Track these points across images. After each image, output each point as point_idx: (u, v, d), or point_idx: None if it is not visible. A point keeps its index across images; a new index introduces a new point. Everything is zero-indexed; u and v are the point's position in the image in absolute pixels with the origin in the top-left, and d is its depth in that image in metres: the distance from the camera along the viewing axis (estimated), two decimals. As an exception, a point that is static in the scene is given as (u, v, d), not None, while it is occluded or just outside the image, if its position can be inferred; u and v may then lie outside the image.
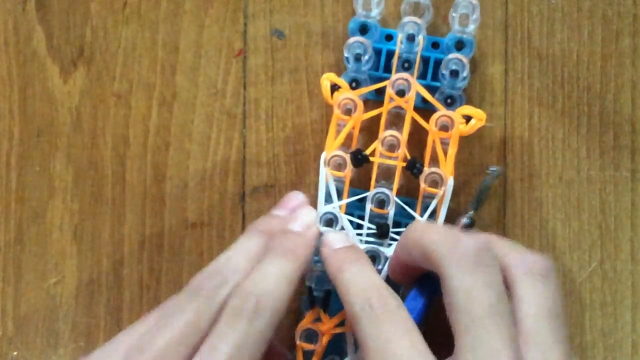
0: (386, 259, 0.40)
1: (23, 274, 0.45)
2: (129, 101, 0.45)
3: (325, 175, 0.40)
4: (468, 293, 0.33)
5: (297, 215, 0.40)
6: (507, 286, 0.35)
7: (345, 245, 0.39)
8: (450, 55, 0.41)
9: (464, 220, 0.40)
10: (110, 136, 0.45)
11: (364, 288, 0.36)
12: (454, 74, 0.41)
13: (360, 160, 0.40)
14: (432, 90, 0.41)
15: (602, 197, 0.44)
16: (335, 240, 0.39)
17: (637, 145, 0.44)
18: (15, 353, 0.45)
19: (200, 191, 0.44)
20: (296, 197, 0.41)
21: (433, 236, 0.36)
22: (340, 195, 0.41)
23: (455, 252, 0.34)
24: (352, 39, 0.41)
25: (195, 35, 0.45)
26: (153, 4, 0.45)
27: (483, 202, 0.42)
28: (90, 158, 0.45)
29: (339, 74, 0.42)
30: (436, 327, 0.36)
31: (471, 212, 0.41)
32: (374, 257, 0.40)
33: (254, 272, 0.36)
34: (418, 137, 0.42)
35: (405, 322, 0.34)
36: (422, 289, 0.38)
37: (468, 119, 0.40)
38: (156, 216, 0.45)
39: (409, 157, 0.40)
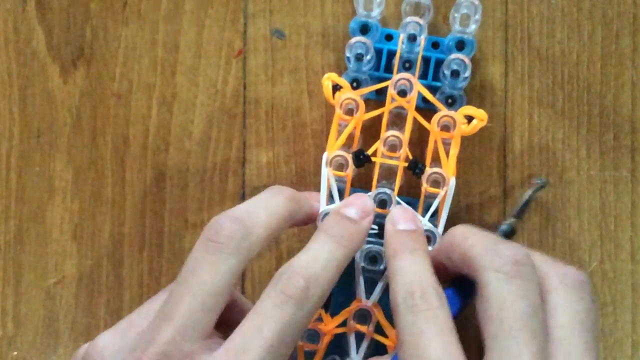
0: None
1: (23, 274, 0.45)
2: (129, 101, 0.45)
3: (327, 176, 0.40)
4: (503, 302, 0.33)
5: (354, 201, 0.39)
6: (542, 297, 0.35)
7: (408, 228, 0.38)
8: (453, 56, 0.41)
9: (503, 226, 0.40)
10: (110, 136, 0.45)
11: (411, 280, 0.35)
12: (455, 74, 0.41)
13: (362, 160, 0.40)
14: (432, 90, 0.41)
15: (602, 197, 0.44)
16: (399, 219, 0.38)
17: (637, 145, 0.44)
18: (15, 353, 0.45)
19: (200, 191, 0.44)
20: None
21: (475, 242, 0.35)
22: (342, 195, 0.41)
23: (495, 260, 0.34)
24: (354, 39, 0.41)
25: (195, 35, 0.45)
26: (153, 4, 0.45)
27: (525, 212, 0.41)
28: (90, 158, 0.45)
29: (339, 74, 0.42)
30: (466, 331, 0.36)
31: (512, 220, 0.40)
32: (375, 258, 0.40)
33: (304, 252, 0.36)
34: (419, 137, 0.42)
35: (443, 323, 0.34)
36: (457, 291, 0.37)
37: (470, 119, 0.40)
38: (156, 216, 0.45)
39: (410, 157, 0.40)
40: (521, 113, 0.44)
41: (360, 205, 0.38)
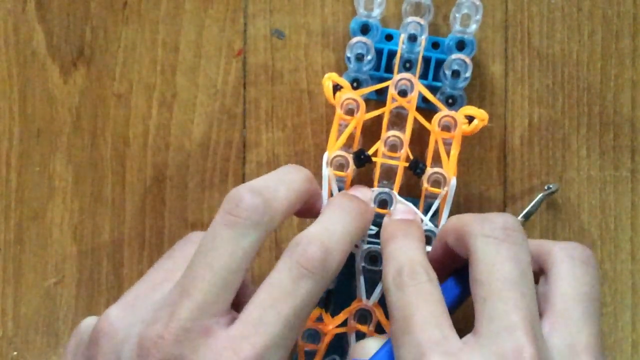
0: None
1: (23, 274, 0.45)
2: (129, 101, 0.45)
3: (328, 176, 0.40)
4: (492, 265, 0.33)
5: (357, 189, 0.39)
6: (546, 269, 0.35)
7: (404, 218, 0.39)
8: (454, 56, 0.41)
9: None
10: (110, 136, 0.45)
11: (401, 261, 0.35)
12: (456, 74, 0.41)
13: (363, 160, 0.40)
14: (432, 90, 0.41)
15: (602, 197, 0.44)
16: (398, 211, 0.39)
17: (637, 145, 0.44)
18: (15, 353, 0.45)
19: (200, 191, 0.44)
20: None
21: (466, 218, 0.35)
22: None
23: (485, 226, 0.34)
24: (354, 39, 0.41)
25: (195, 35, 0.45)
26: (153, 4, 0.45)
27: (532, 215, 0.42)
28: (90, 158, 0.45)
29: (339, 74, 0.42)
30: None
31: (521, 220, 0.41)
32: (376, 258, 0.40)
33: (319, 223, 0.35)
34: (420, 137, 0.42)
35: (431, 294, 0.34)
36: (457, 281, 0.37)
37: (470, 119, 0.40)
38: (156, 216, 0.45)
39: (411, 157, 0.40)
40: (521, 113, 0.44)
41: (364, 192, 0.39)
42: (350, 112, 0.40)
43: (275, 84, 0.44)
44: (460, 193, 0.44)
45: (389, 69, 0.42)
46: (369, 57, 0.41)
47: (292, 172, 0.37)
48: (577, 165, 0.44)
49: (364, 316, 0.40)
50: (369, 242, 0.40)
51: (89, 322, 0.36)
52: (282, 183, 0.36)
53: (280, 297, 0.33)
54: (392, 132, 0.40)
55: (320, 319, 0.40)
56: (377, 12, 0.42)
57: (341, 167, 0.40)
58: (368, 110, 0.41)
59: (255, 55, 0.44)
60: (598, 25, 0.44)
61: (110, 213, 0.45)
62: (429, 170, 0.40)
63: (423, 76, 0.42)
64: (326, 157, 0.40)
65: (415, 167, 0.40)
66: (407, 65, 0.41)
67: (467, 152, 0.44)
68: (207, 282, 0.33)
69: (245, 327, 0.32)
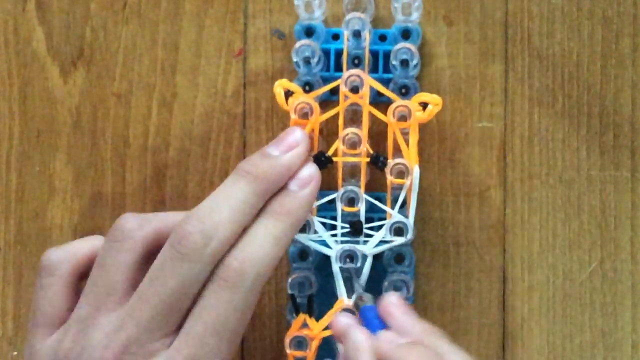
0: (364, 256, 0.40)
1: (23, 274, 0.45)
2: (129, 101, 0.45)
3: None
4: None
5: (297, 173, 0.38)
6: None
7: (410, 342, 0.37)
8: (399, 45, 0.41)
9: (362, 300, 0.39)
10: (110, 136, 0.45)
11: None
12: (405, 63, 0.41)
13: (324, 162, 0.40)
14: (385, 82, 0.42)
15: (602, 197, 0.44)
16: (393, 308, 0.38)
17: (637, 145, 0.44)
18: (15, 353, 0.45)
19: (200, 191, 0.44)
20: (294, 135, 0.39)
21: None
22: None
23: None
24: (298, 43, 0.41)
25: (195, 35, 0.45)
26: (153, 4, 0.45)
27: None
28: (90, 158, 0.45)
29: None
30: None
31: (365, 295, 0.40)
32: (352, 257, 0.40)
33: (242, 237, 0.36)
34: (379, 132, 0.42)
35: None
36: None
37: (425, 106, 0.40)
38: (156, 216, 0.45)
39: (371, 152, 0.40)
40: (521, 113, 0.44)
41: (302, 174, 0.38)
42: (305, 116, 0.40)
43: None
44: (460, 193, 0.44)
45: (339, 68, 0.42)
46: (316, 59, 0.41)
47: (235, 182, 0.37)
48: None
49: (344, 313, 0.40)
50: (342, 242, 0.40)
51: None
52: (225, 202, 0.36)
53: (202, 309, 0.35)
54: (349, 130, 0.40)
55: (305, 325, 0.40)
56: (318, 13, 0.42)
57: None
58: (324, 111, 0.41)
59: (255, 55, 0.44)
60: (598, 25, 0.44)
61: (110, 213, 0.45)
62: (391, 162, 0.40)
63: (373, 70, 0.42)
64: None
65: (377, 161, 0.40)
66: (356, 61, 0.41)
67: (467, 152, 0.44)
68: (153, 308, 0.35)
69: (179, 342, 0.35)
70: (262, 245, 0.36)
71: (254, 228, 0.37)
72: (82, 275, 0.38)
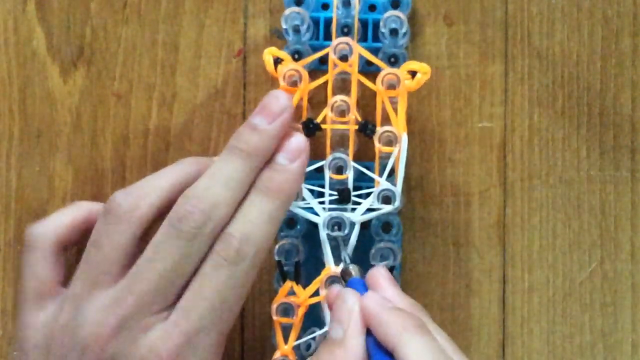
0: (352, 224, 0.40)
1: (23, 274, 0.45)
2: (129, 101, 0.45)
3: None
4: None
5: (285, 145, 0.38)
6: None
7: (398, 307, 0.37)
8: (387, 14, 0.41)
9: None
10: (110, 136, 0.45)
11: None
12: (394, 32, 0.41)
13: (312, 129, 0.40)
14: (374, 52, 0.42)
15: (602, 197, 0.44)
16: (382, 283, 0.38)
17: (637, 145, 0.44)
18: (15, 353, 0.45)
19: (200, 191, 0.44)
20: (277, 100, 0.39)
21: (397, 324, 0.35)
22: None
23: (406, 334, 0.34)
24: (288, 10, 0.41)
25: (195, 35, 0.45)
26: (153, 4, 0.45)
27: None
28: (90, 158, 0.45)
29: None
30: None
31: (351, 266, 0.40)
32: (339, 224, 0.40)
33: (237, 214, 0.37)
34: (368, 101, 0.42)
35: None
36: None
37: (414, 74, 0.40)
38: (156, 216, 0.45)
39: (360, 120, 0.40)
40: (521, 113, 0.44)
41: (290, 147, 0.38)
42: (294, 84, 0.40)
43: (275, 84, 0.44)
44: (460, 193, 0.44)
45: (328, 37, 0.42)
46: (305, 27, 0.41)
47: (230, 161, 0.38)
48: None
49: (334, 283, 0.40)
50: (330, 209, 0.40)
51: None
52: (222, 180, 0.37)
53: (202, 284, 0.36)
54: (338, 97, 0.40)
55: (292, 292, 0.40)
56: None
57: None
58: (313, 80, 0.41)
59: (255, 55, 0.44)
60: (598, 25, 0.44)
61: (110, 213, 0.45)
62: (379, 130, 0.40)
63: (363, 39, 0.42)
64: None
65: (365, 128, 0.40)
66: (345, 30, 0.42)
67: (467, 152, 0.44)
68: (151, 283, 0.36)
69: (176, 316, 0.36)
70: (258, 224, 0.37)
71: (249, 206, 0.37)
72: (65, 246, 0.40)
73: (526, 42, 0.44)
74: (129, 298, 0.36)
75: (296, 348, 0.40)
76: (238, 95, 0.45)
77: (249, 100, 0.45)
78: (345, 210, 0.40)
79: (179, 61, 0.45)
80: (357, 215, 0.40)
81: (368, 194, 0.40)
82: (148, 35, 0.45)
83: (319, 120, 0.40)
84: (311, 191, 0.41)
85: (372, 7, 0.43)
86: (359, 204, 0.40)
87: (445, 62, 0.44)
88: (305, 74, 0.40)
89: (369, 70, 0.42)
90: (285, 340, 0.40)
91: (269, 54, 0.41)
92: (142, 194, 0.38)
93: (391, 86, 0.40)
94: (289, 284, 0.40)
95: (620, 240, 0.44)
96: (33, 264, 0.39)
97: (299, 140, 0.39)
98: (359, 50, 0.40)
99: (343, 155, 0.40)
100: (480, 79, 0.44)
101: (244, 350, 0.44)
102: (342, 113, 0.40)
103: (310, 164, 0.40)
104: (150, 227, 0.37)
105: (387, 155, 0.40)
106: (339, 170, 0.40)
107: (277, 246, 0.41)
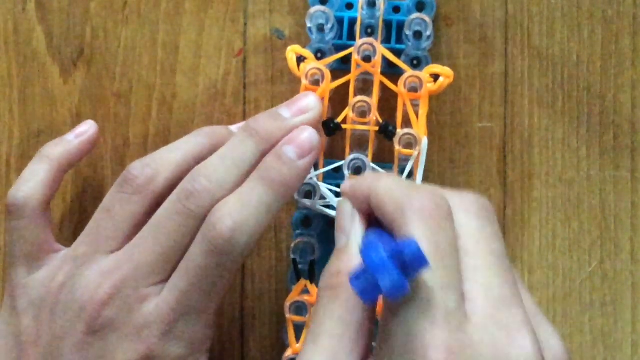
0: None
1: (23, 274, 0.45)
2: (129, 101, 0.45)
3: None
4: (478, 239, 0.31)
5: (296, 137, 0.38)
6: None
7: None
8: (413, 16, 0.41)
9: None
10: (110, 136, 0.45)
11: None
12: (418, 34, 0.41)
13: (332, 128, 0.40)
14: (397, 53, 0.42)
15: (602, 197, 0.44)
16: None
17: (637, 145, 0.44)
18: None
19: (200, 191, 0.44)
20: (307, 99, 0.39)
21: (386, 185, 0.32)
22: (315, 167, 0.41)
23: (463, 201, 0.32)
24: (313, 9, 0.41)
25: (195, 35, 0.45)
26: (153, 4, 0.45)
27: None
28: (90, 158, 0.45)
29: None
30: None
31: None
32: None
33: (234, 196, 0.37)
34: (388, 102, 0.42)
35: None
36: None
37: (436, 77, 0.40)
38: (156, 216, 0.45)
39: (381, 121, 0.40)
40: (521, 113, 0.44)
41: (302, 141, 0.38)
42: (316, 82, 0.40)
43: (275, 84, 0.44)
44: (460, 193, 0.44)
45: (352, 37, 0.42)
46: (330, 26, 0.41)
47: (244, 143, 0.38)
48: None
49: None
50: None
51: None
52: (233, 161, 0.37)
53: (188, 265, 0.36)
54: (359, 98, 0.40)
55: (306, 291, 0.40)
56: None
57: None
58: (335, 80, 0.41)
59: (255, 55, 0.44)
60: (598, 25, 0.44)
61: (110, 213, 0.45)
62: (400, 132, 0.40)
63: (386, 40, 0.42)
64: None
65: (386, 130, 0.40)
66: (369, 31, 0.42)
67: (467, 152, 0.44)
68: (152, 253, 0.37)
69: (168, 293, 0.36)
70: (254, 214, 0.36)
71: (249, 193, 0.37)
72: (49, 203, 0.40)
73: (526, 42, 0.44)
74: (127, 265, 0.37)
75: None
76: (238, 95, 0.45)
77: (249, 100, 0.45)
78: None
79: (179, 61, 0.45)
80: None
81: None
82: (148, 35, 0.45)
83: (339, 120, 0.40)
84: (330, 190, 0.41)
85: (397, 9, 0.43)
86: None
87: (445, 62, 0.44)
88: (327, 73, 0.40)
89: (390, 72, 0.42)
90: (297, 338, 0.40)
91: (292, 51, 0.41)
92: (159, 168, 0.38)
93: (413, 89, 0.40)
94: (302, 282, 0.40)
95: (620, 240, 0.44)
96: (22, 229, 0.39)
97: (312, 136, 0.38)
98: (382, 51, 0.40)
99: (362, 156, 0.40)
100: (480, 79, 0.44)
101: (244, 350, 0.44)
102: (363, 114, 0.40)
103: (328, 164, 0.40)
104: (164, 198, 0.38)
105: (407, 158, 0.40)
106: (358, 170, 0.40)
107: (292, 245, 0.41)
